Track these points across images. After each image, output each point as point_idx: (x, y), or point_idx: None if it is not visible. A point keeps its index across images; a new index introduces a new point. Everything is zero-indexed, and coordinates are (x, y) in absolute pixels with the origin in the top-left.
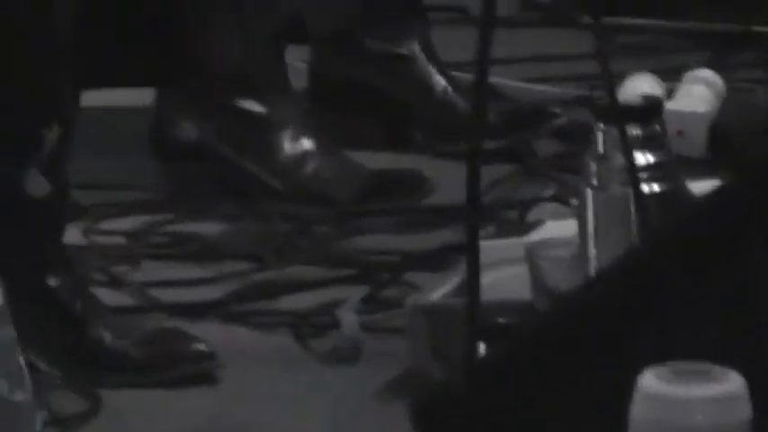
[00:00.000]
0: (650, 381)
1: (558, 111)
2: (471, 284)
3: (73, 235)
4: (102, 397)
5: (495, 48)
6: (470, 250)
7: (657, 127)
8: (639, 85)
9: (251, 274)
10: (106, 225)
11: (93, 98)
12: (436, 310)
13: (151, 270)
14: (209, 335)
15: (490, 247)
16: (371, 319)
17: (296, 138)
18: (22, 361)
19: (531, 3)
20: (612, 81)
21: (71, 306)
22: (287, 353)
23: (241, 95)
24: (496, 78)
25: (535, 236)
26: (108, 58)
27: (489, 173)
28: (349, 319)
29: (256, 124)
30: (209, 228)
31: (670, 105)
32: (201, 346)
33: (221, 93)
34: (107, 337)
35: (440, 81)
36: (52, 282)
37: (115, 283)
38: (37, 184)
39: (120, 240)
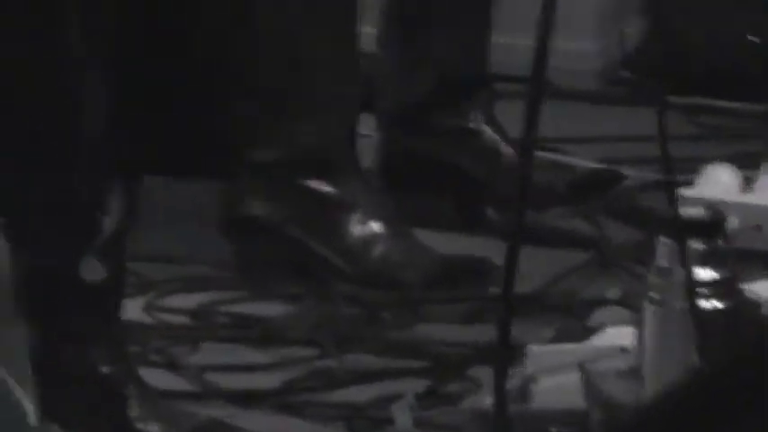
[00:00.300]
0: None
1: (625, 174)
2: (498, 388)
3: (134, 310)
4: None
5: (576, 123)
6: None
7: (720, 242)
8: (717, 176)
9: (310, 362)
10: (169, 301)
11: None
12: (487, 416)
13: (210, 352)
14: (262, 424)
15: (548, 352)
16: (427, 416)
17: (365, 219)
18: None
19: (614, 78)
20: (676, 194)
21: (120, 394)
22: None
23: (311, 175)
24: (569, 157)
25: (596, 341)
26: (169, 144)
27: (561, 258)
28: (403, 415)
29: (326, 205)
30: (272, 309)
31: (747, 198)
32: None
33: (292, 172)
34: (155, 428)
35: (508, 152)
36: (104, 368)
37: (173, 365)
38: (92, 270)
39: (182, 319)
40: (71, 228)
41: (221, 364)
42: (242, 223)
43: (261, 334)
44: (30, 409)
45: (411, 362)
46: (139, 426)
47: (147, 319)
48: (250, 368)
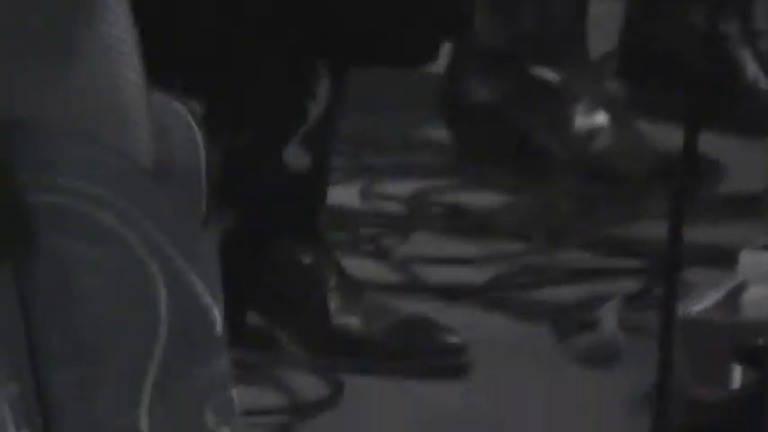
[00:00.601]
0: None
1: None
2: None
3: (350, 196)
4: (343, 383)
5: None
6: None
7: None
8: None
9: (521, 257)
10: (384, 188)
11: None
12: (694, 324)
13: (420, 243)
14: (466, 319)
15: (763, 259)
16: (635, 319)
17: (590, 109)
18: (234, 394)
19: None
20: None
21: (322, 287)
22: (542, 347)
23: (537, 62)
24: None
25: None
26: (385, 30)
27: None
28: (610, 318)
29: (550, 93)
30: (487, 199)
31: None
32: (454, 339)
33: (516, 58)
34: (355, 321)
35: (753, 68)
36: (306, 258)
37: (381, 255)
38: (297, 158)
39: (395, 207)
40: (276, 114)
41: (429, 255)
42: (463, 110)
43: (473, 225)
44: (217, 316)
45: (625, 260)
46: (339, 318)
47: (361, 206)
48: (458, 261)
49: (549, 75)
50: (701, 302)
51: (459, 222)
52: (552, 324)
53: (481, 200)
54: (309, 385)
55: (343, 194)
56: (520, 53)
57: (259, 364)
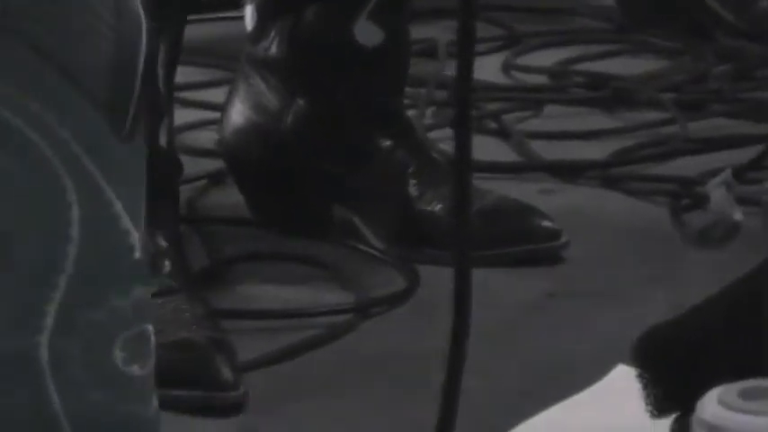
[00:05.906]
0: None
1: None
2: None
3: (491, 69)
4: (420, 274)
5: None
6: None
7: None
8: None
9: (652, 128)
10: (529, 59)
11: None
12: None
13: (551, 118)
14: (582, 197)
15: None
16: (748, 193)
17: None
18: (149, 329)
19: None
20: None
21: (402, 172)
22: (656, 226)
23: None
24: None
25: None
26: None
27: None
28: (718, 193)
29: None
30: (638, 64)
31: None
32: (547, 224)
33: None
34: (439, 207)
35: None
36: (384, 142)
37: (503, 132)
38: (367, 34)
39: (536, 80)
40: None
41: (552, 130)
42: None
43: (612, 96)
44: (136, 242)
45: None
46: (420, 205)
47: (502, 79)
48: (584, 135)
49: None
50: None
51: (598, 93)
52: (669, 202)
53: (631, 67)
54: (385, 278)
55: (485, 67)
56: None
57: (334, 259)
